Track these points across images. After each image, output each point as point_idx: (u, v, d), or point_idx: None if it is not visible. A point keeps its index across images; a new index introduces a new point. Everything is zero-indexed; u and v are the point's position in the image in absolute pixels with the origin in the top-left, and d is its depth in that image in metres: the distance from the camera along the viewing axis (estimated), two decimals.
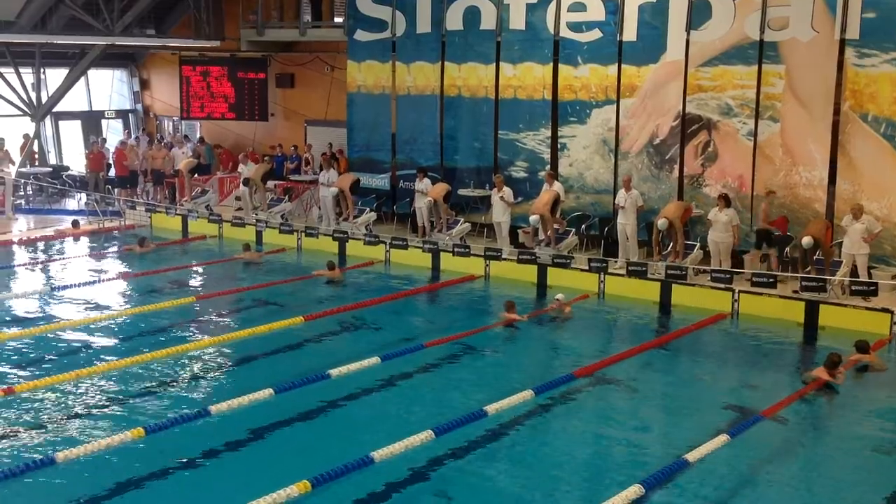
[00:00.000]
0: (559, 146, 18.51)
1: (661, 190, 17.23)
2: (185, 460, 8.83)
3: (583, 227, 17.75)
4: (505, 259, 17.10)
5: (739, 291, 14.67)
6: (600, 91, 17.85)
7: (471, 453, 9.21)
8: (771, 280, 14.71)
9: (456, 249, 17.64)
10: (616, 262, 16.21)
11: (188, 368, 11.68)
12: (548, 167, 18.44)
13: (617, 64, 17.50)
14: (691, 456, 8.75)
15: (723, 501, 8.38)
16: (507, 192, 17.84)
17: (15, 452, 8.95)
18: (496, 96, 19.29)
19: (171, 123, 28.74)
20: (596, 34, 17.74)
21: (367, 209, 20.07)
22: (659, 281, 15.37)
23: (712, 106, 16.57)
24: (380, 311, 14.49)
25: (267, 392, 10.15)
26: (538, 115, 18.70)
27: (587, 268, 16.13)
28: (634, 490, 7.97)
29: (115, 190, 24.43)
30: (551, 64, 18.39)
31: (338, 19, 23.04)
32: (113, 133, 28.78)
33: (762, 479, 8.88)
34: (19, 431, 9.48)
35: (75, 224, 20.88)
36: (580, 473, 8.95)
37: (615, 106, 17.62)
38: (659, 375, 11.92)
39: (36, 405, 10.19)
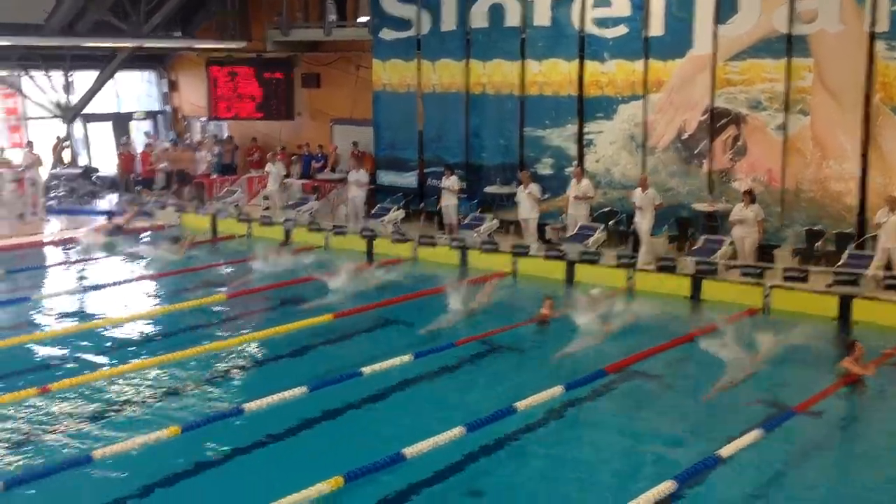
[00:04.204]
0: (586, 142, 18.48)
1: (690, 185, 17.16)
2: (219, 458, 8.93)
3: (610, 222, 17.70)
4: (533, 256, 17.09)
5: (771, 286, 14.57)
6: (627, 86, 17.81)
7: (502, 450, 9.23)
8: (803, 275, 14.61)
9: (483, 246, 17.66)
10: (640, 258, 16.17)
11: (221, 366, 11.78)
12: (575, 163, 18.41)
13: (643, 59, 17.44)
14: (724, 451, 8.70)
15: (757, 497, 8.35)
16: (533, 187, 17.84)
17: (52, 450, 9.07)
18: (522, 93, 19.28)
19: (199, 124, 28.93)
20: (622, 29, 17.70)
21: (395, 207, 20.12)
22: (689, 276, 15.31)
23: (741, 100, 16.48)
24: (409, 308, 14.52)
25: (301, 390, 10.21)
26: (564, 112, 18.67)
27: (615, 264, 16.10)
28: (667, 486, 7.94)
29: (144, 190, 24.67)
30: (577, 60, 18.36)
31: (362, 18, 23.12)
32: (141, 134, 29.00)
33: (796, 474, 8.84)
34: (55, 430, 9.61)
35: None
36: (612, 469, 8.93)
37: (642, 101, 17.57)
38: (690, 371, 11.87)
39: (71, 404, 10.31)
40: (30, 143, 24.53)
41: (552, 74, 18.82)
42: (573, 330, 12.97)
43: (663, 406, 10.46)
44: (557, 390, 10.30)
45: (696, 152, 17.10)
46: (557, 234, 18.06)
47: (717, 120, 16.78)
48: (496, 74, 19.67)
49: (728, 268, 15.36)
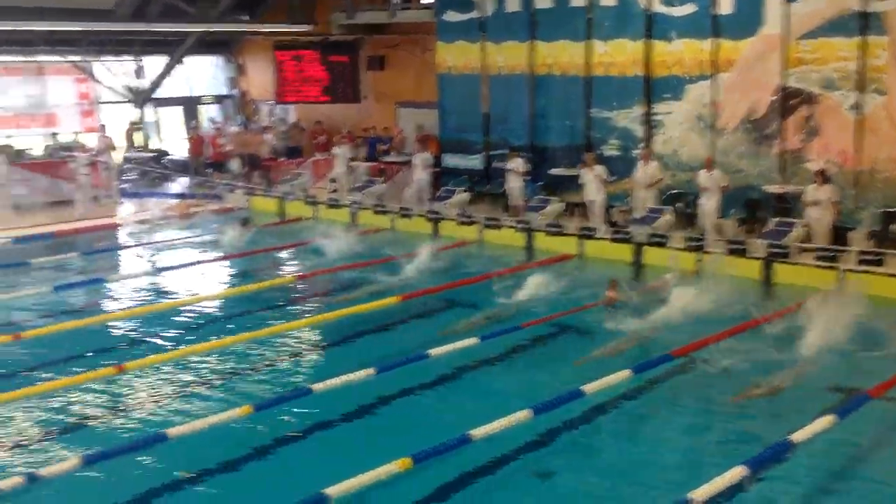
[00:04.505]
0: (653, 123, 18.26)
1: (761, 166, 16.85)
2: (289, 437, 9.07)
3: (678, 204, 17.48)
4: (599, 238, 16.98)
5: (845, 270, 14.27)
6: (695, 66, 17.52)
7: (569, 432, 9.23)
8: (878, 258, 14.28)
9: (549, 229, 17.60)
10: (708, 240, 15.97)
11: (290, 347, 11.97)
12: (641, 145, 18.22)
13: (712, 38, 17.14)
14: (796, 437, 8.57)
15: (829, 482, 8.23)
16: (599, 169, 17.70)
17: (128, 428, 9.32)
18: (587, 74, 19.11)
19: (266, 108, 29.27)
20: (690, 8, 17.40)
21: (460, 189, 20.14)
22: (760, 259, 15.07)
23: (814, 79, 16.10)
24: (474, 290, 14.55)
25: (368, 371, 10.32)
26: (631, 92, 18.46)
27: (684, 246, 15.92)
28: (738, 471, 7.85)
29: (213, 173, 25.07)
30: (644, 40, 18.12)
31: (427, 0, 23.12)
32: (210, 118, 29.47)
33: (871, 460, 8.68)
34: (131, 408, 9.86)
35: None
36: (680, 453, 8.84)
37: (711, 81, 17.28)
38: (760, 355, 11.67)
39: (146, 382, 10.58)
40: (102, 128, 25.10)
41: (618, 55, 18.60)
42: (640, 313, 12.87)
43: (732, 389, 10.30)
44: (625, 374, 10.24)
45: (766, 133, 16.78)
46: (624, 217, 17.91)
47: (789, 100, 16.42)
48: (561, 55, 19.51)
49: (800, 251, 15.07)
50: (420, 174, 20.68)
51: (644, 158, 17.46)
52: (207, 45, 27.53)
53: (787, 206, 16.24)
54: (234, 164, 24.38)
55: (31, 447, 8.88)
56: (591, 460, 8.64)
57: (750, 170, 16.94)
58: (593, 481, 8.21)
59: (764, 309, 13.05)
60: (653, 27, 17.96)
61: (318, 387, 9.93)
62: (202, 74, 30.14)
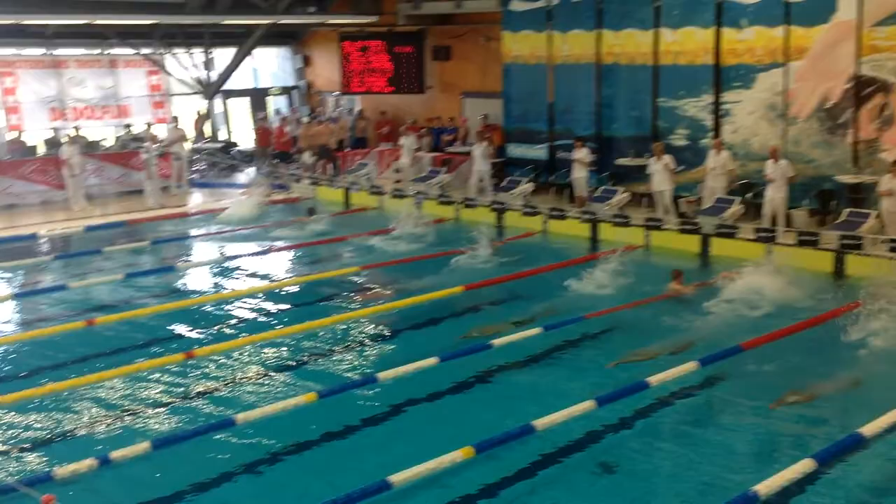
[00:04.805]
0: (722, 112, 17.96)
1: (834, 155, 16.47)
2: (354, 424, 9.14)
3: (748, 195, 17.17)
4: (666, 229, 16.77)
5: None
6: (766, 54, 17.17)
7: (633, 424, 9.15)
8: None
9: (615, 219, 17.44)
10: (778, 231, 15.67)
11: (355, 336, 12.06)
12: (710, 134, 17.94)
13: (784, 25, 16.79)
14: (867, 430, 8.38)
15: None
16: (667, 159, 17.48)
17: (196, 413, 9.49)
18: (655, 62, 18.87)
19: (331, 99, 29.49)
20: None
21: (525, 180, 20.07)
22: (832, 251, 14.73)
23: (889, 67, 15.66)
24: (539, 281, 14.49)
25: (432, 360, 10.36)
26: (700, 81, 18.17)
27: (753, 237, 15.64)
28: (805, 464, 7.71)
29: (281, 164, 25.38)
30: (714, 28, 17.82)
31: None
32: (278, 109, 29.80)
33: None
34: (200, 394, 10.04)
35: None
36: (746, 446, 8.67)
37: (782, 69, 16.93)
38: (831, 349, 11.43)
39: (214, 369, 10.75)
40: (175, 119, 25.53)
41: (687, 43, 18.32)
42: (708, 305, 12.69)
43: (802, 384, 10.10)
44: (692, 366, 10.11)
45: (839, 122, 16.38)
46: (692, 207, 17.67)
47: (863, 88, 16.00)
48: (629, 44, 19.29)
49: (874, 242, 14.69)
50: (480, 164, 20.63)
51: (716, 148, 17.18)
52: (275, 36, 27.83)
53: (861, 196, 15.85)
54: (306, 156, 24.62)
55: (103, 431, 9.10)
56: (654, 453, 8.54)
57: (822, 159, 16.57)
58: (656, 474, 8.14)
59: (835, 302, 12.80)
60: (723, 15, 17.65)
61: (383, 375, 10.01)
62: (269, 66, 30.50)
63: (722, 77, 17.86)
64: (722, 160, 17.04)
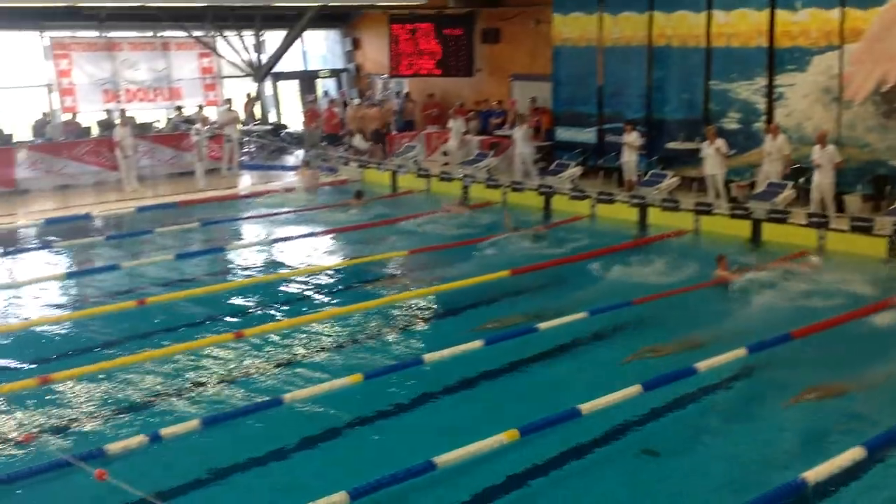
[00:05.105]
0: (776, 96, 17.67)
1: (890, 140, 16.13)
2: (399, 406, 9.20)
3: (800, 180, 16.90)
4: (716, 213, 16.57)
5: None
6: (821, 36, 16.85)
7: (681, 410, 9.08)
8: None
9: (664, 203, 17.28)
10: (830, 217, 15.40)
11: (401, 318, 12.12)
12: (763, 118, 17.67)
13: (840, 7, 16.44)
14: None
15: None
16: (720, 143, 17.26)
17: (246, 392, 9.60)
18: (707, 45, 18.61)
19: (380, 81, 29.53)
20: None
21: (573, 163, 19.95)
22: (886, 237, 14.44)
23: None
24: (586, 266, 14.41)
25: (478, 343, 10.37)
26: (753, 64, 17.90)
27: (805, 223, 15.39)
28: (855, 452, 7.59)
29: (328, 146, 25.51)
30: (768, 9, 17.52)
31: None
32: (326, 92, 29.94)
33: None
34: (249, 373, 10.16)
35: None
36: (794, 434, 8.56)
37: (838, 52, 16.60)
38: (885, 337, 11.22)
39: (264, 349, 10.86)
40: (228, 101, 25.77)
41: (740, 25, 18.05)
42: (756, 291, 12.52)
43: (853, 373, 9.93)
44: (740, 352, 9.99)
45: (895, 106, 16.06)
46: (743, 192, 17.43)
47: None
48: (681, 26, 19.05)
49: None
50: (521, 147, 20.54)
51: (773, 132, 16.90)
52: (325, 19, 27.92)
53: None
54: (357, 139, 24.72)
55: (154, 408, 9.25)
56: (701, 439, 8.48)
57: (877, 144, 16.24)
58: (702, 461, 8.06)
59: (891, 289, 12.56)
60: None
61: (428, 357, 10.04)
62: (319, 49, 30.62)
63: (776, 60, 17.56)
64: (778, 144, 16.77)
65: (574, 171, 19.63)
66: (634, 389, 8.92)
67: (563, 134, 21.74)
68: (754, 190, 16.92)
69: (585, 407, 8.52)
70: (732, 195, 17.64)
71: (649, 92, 19.83)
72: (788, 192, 16.24)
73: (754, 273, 13.30)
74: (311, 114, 27.38)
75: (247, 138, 26.39)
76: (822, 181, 15.85)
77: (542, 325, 11.06)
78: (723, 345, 10.23)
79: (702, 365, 9.60)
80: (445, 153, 23.26)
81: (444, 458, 7.52)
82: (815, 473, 7.21)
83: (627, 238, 16.37)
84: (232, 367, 10.34)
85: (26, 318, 12.30)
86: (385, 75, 28.50)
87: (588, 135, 21.11)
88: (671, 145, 19.17)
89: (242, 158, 25.39)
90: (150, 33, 25.69)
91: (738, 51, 18.15)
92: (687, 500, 7.45)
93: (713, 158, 17.33)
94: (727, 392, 9.55)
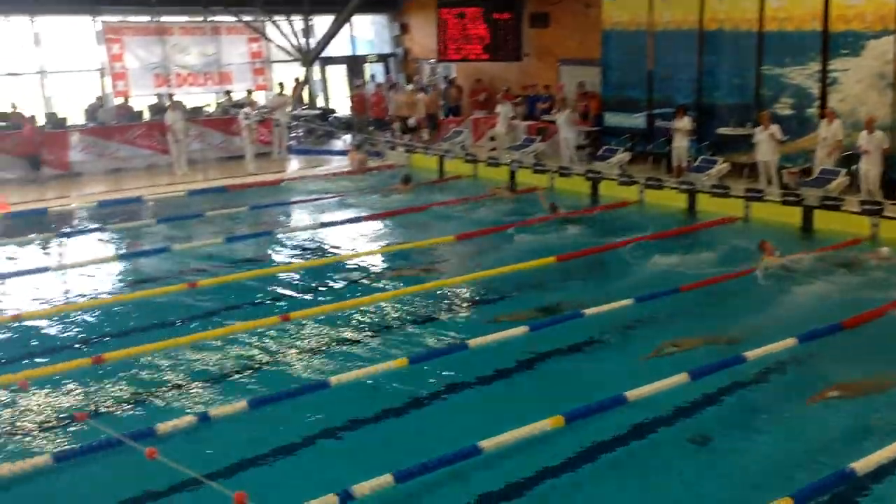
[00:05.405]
0: (829, 80, 17.34)
1: None
2: (443, 390, 9.22)
3: (853, 167, 16.59)
4: (767, 200, 16.34)
5: None
6: (877, 20, 16.50)
7: (727, 399, 8.99)
8: None
9: (714, 190, 17.07)
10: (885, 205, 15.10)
11: (446, 303, 12.13)
12: (816, 103, 17.36)
13: None
14: None
15: None
16: (774, 128, 17.00)
17: (293, 375, 9.70)
18: (760, 29, 18.32)
19: (427, 66, 29.50)
20: None
21: (621, 149, 19.79)
22: None
23: None
24: (632, 252, 14.27)
25: (523, 329, 10.36)
26: (807, 48, 17.58)
27: (859, 210, 15.11)
28: None
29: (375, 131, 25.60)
30: None
31: None
32: (373, 77, 29.99)
33: None
34: (295, 356, 10.25)
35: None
36: (845, 423, 8.41)
37: (894, 37, 16.23)
38: None
39: (309, 332, 10.95)
40: (280, 85, 25.95)
41: (794, 9, 17.73)
42: (805, 279, 12.34)
43: None
44: (790, 342, 9.86)
45: None
46: (794, 178, 17.15)
47: None
48: (734, 10, 18.77)
49: None
50: (565, 132, 20.41)
51: (829, 118, 16.60)
52: (373, 4, 27.95)
53: None
54: (412, 122, 24.78)
55: (202, 389, 9.38)
56: (748, 428, 8.37)
57: None
58: (749, 450, 7.96)
59: None
60: None
61: (473, 342, 10.05)
62: (367, 33, 30.66)
63: (830, 44, 17.23)
64: (833, 130, 16.47)
65: (622, 156, 19.48)
66: (681, 377, 8.85)
67: (612, 119, 21.56)
68: (807, 177, 16.63)
69: (632, 394, 8.47)
70: (784, 182, 17.38)
71: (700, 77, 19.57)
72: (842, 179, 15.95)
73: (803, 258, 13.07)
74: (357, 98, 27.46)
75: (295, 123, 26.56)
76: (869, 168, 15.54)
77: (588, 311, 11.00)
78: (769, 335, 10.09)
79: (751, 354, 9.49)
80: (492, 138, 23.20)
81: (490, 443, 7.53)
82: (864, 464, 7.11)
83: (676, 224, 16.19)
84: (278, 349, 10.44)
85: (79, 299, 12.52)
86: (433, 60, 28.47)
87: (637, 120, 20.92)
88: (722, 131, 18.92)
89: (290, 143, 25.56)
90: (201, 18, 25.93)
91: (791, 35, 17.83)
92: (734, 486, 7.39)
93: (767, 144, 17.08)
94: (775, 380, 9.43)
